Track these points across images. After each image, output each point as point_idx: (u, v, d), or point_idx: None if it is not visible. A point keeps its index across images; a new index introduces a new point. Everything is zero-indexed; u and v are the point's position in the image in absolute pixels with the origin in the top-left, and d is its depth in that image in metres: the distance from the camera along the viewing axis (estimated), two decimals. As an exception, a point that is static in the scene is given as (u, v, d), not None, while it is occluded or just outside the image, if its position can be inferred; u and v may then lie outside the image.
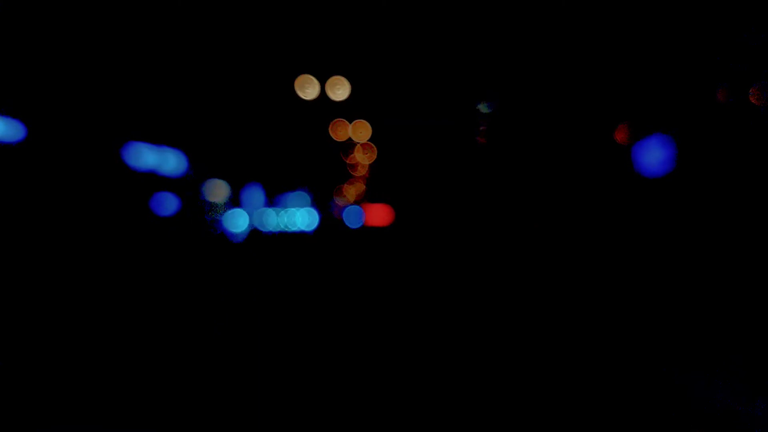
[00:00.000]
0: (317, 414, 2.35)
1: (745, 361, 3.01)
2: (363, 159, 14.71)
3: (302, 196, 14.47)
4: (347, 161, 14.70)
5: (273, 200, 14.03)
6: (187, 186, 12.07)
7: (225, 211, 12.95)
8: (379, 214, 14.02)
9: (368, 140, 14.21)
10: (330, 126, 13.96)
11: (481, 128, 11.37)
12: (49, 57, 9.43)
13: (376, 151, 14.30)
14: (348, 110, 13.60)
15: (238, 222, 12.94)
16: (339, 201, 15.10)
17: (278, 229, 13.90)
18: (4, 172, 8.92)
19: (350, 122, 13.96)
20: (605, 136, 9.30)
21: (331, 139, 14.11)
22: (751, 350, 3.23)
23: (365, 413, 2.34)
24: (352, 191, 15.36)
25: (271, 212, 13.77)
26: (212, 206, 12.78)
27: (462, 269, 7.48)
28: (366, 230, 13.93)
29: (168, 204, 11.67)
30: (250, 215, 13.37)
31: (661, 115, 8.54)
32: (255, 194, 13.62)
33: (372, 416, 2.31)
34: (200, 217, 12.30)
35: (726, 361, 3.01)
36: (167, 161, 11.76)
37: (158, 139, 11.38)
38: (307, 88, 13.04)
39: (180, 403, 2.45)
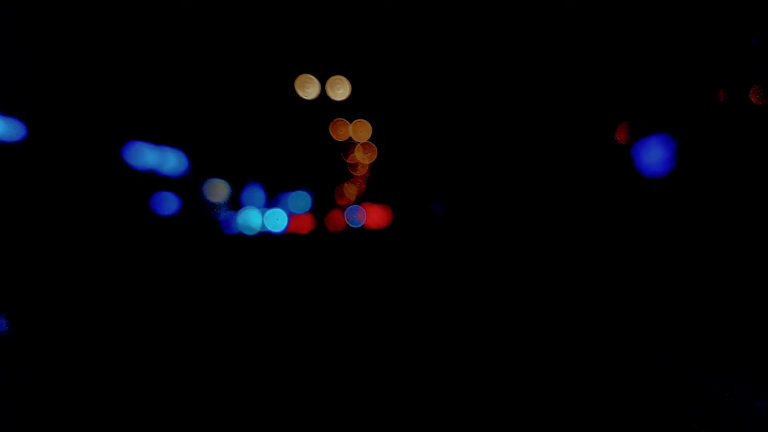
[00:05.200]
0: (317, 414, 2.35)
1: (746, 360, 3.00)
2: (363, 159, 14.71)
3: (303, 195, 14.48)
4: (347, 161, 14.70)
5: (273, 199, 14.03)
6: (188, 186, 12.09)
7: (228, 210, 12.96)
8: (378, 214, 14.02)
9: (368, 140, 14.21)
10: (330, 126, 13.96)
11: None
12: (50, 57, 9.44)
13: (376, 151, 14.30)
14: (348, 110, 13.60)
15: (250, 222, 12.93)
16: (340, 200, 15.11)
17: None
18: (4, 172, 8.93)
19: (350, 122, 13.96)
20: (605, 136, 9.30)
21: (331, 138, 14.11)
22: (751, 350, 3.22)
23: (365, 413, 2.34)
24: (352, 190, 15.36)
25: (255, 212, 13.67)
26: (213, 206, 12.78)
27: (462, 268, 7.47)
28: (366, 230, 13.93)
29: (168, 203, 11.68)
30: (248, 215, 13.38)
31: (661, 115, 8.54)
32: (255, 194, 13.62)
33: (372, 416, 2.31)
34: (201, 216, 12.31)
35: (727, 361, 3.00)
36: (168, 161, 11.77)
37: (159, 138, 11.39)
38: (308, 88, 13.04)
39: (180, 403, 2.45)
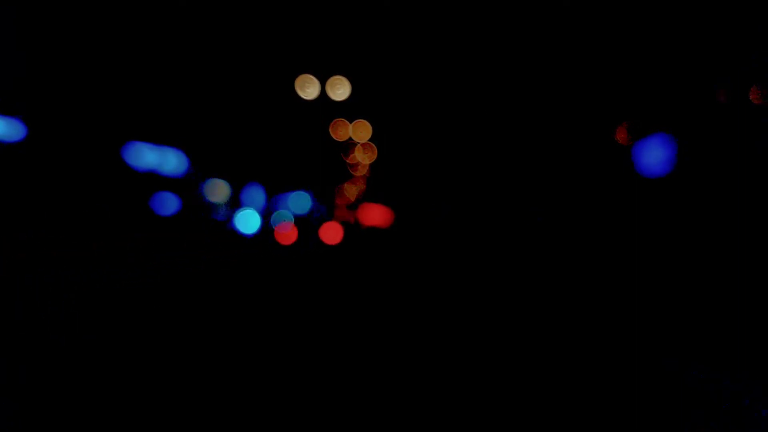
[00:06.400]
0: (317, 415, 2.35)
1: (746, 360, 3.01)
2: (363, 159, 14.74)
3: (303, 195, 14.49)
4: (347, 161, 14.73)
5: (273, 200, 14.05)
6: (188, 186, 12.10)
7: (229, 210, 12.98)
8: (379, 215, 14.03)
9: (368, 140, 14.24)
10: (330, 126, 13.98)
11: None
12: (50, 57, 9.45)
13: (376, 151, 14.32)
14: (348, 110, 13.62)
15: (249, 222, 12.96)
16: (339, 199, 15.13)
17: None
18: (4, 172, 8.93)
19: (350, 122, 13.98)
20: (605, 136, 9.30)
21: (332, 138, 14.13)
22: (752, 350, 3.23)
23: (366, 413, 2.35)
24: (352, 190, 15.39)
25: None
26: (213, 206, 12.80)
27: (462, 267, 7.48)
28: (367, 231, 13.94)
29: (168, 204, 11.70)
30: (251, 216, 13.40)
31: (661, 115, 8.54)
32: (255, 194, 13.64)
33: (372, 417, 2.32)
34: (201, 216, 12.33)
35: (727, 361, 3.00)
36: (168, 161, 11.78)
37: (159, 139, 11.40)
38: (308, 88, 13.06)
39: (180, 403, 2.46)
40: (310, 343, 3.54)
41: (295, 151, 13.54)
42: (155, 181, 11.39)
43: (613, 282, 6.00)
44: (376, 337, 3.64)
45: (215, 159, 12.39)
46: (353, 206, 15.03)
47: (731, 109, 7.63)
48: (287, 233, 12.72)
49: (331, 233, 12.88)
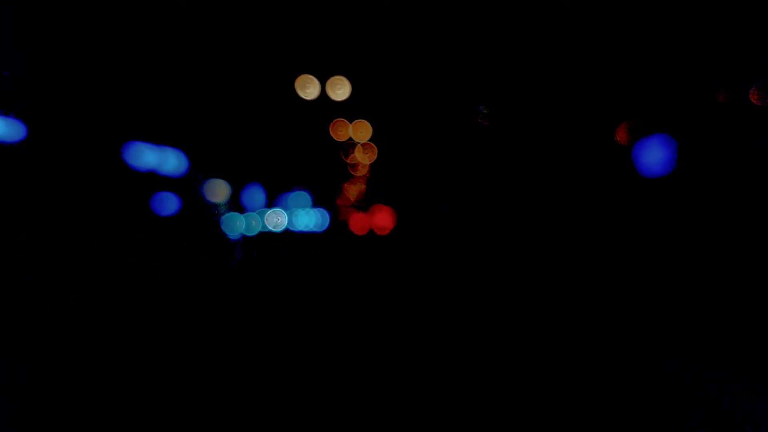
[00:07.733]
0: (317, 415, 2.35)
1: (746, 360, 3.01)
2: (363, 159, 14.72)
3: (303, 195, 14.48)
4: (347, 161, 14.71)
5: (273, 200, 14.04)
6: (188, 186, 12.10)
7: (228, 211, 12.98)
8: (380, 215, 14.02)
9: (368, 140, 14.22)
10: (330, 126, 13.97)
11: (480, 119, 11.38)
12: (50, 57, 9.45)
13: (376, 151, 14.31)
14: (348, 110, 13.62)
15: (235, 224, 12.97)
16: (341, 200, 15.12)
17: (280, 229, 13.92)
18: (4, 172, 8.93)
19: (350, 122, 13.97)
20: (605, 136, 9.30)
21: (332, 139, 14.12)
22: (751, 350, 3.23)
23: (365, 414, 2.34)
24: (352, 191, 15.37)
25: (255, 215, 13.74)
26: (213, 206, 12.79)
27: (462, 267, 7.48)
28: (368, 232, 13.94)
29: (168, 204, 11.69)
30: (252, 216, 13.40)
31: (661, 115, 8.54)
32: (255, 194, 13.63)
33: (372, 417, 2.31)
34: (201, 216, 12.33)
35: (727, 361, 3.00)
36: (168, 161, 11.77)
37: (159, 139, 11.40)
38: (308, 88, 13.05)
39: (180, 403, 2.45)
40: (310, 342, 3.54)
41: (295, 152, 13.54)
42: (155, 181, 11.39)
43: (613, 282, 6.01)
44: (377, 337, 3.64)
45: (215, 159, 12.39)
46: (353, 206, 15.02)
47: (731, 109, 7.63)
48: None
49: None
